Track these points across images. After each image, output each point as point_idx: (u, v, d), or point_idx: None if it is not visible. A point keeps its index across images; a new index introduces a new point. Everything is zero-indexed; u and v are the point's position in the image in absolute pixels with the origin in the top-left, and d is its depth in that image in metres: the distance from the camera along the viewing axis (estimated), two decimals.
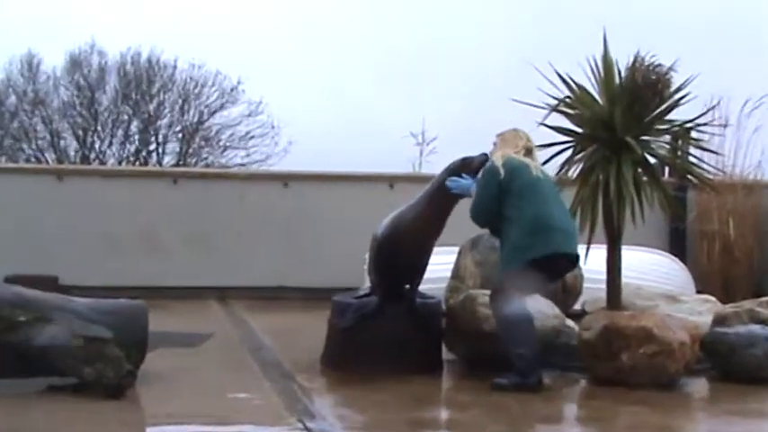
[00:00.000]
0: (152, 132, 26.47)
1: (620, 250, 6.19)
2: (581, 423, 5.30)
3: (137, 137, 26.47)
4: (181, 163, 25.57)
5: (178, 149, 26.46)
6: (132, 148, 26.45)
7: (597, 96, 6.23)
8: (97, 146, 26.24)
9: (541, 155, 6.12)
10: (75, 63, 26.17)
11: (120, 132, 26.28)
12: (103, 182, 10.16)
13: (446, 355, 6.24)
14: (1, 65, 25.37)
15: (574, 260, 5.72)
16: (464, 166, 5.82)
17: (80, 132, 26.08)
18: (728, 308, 6.42)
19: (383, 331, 5.95)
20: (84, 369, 5.00)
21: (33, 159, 25.12)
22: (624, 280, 6.32)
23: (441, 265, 6.82)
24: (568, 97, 6.24)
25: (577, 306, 7.00)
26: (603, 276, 6.28)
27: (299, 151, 23.72)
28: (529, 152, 5.80)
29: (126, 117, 26.29)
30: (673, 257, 8.84)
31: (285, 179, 10.21)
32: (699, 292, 8.10)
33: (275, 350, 6.72)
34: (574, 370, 5.92)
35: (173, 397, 5.21)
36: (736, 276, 9.56)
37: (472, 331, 5.93)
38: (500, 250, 5.71)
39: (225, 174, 14.18)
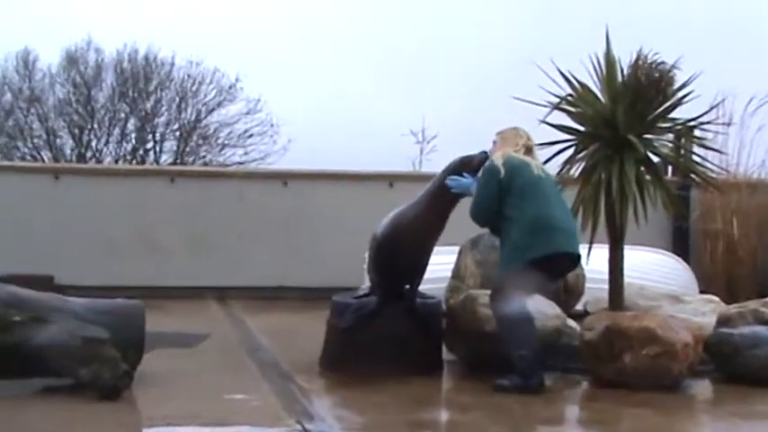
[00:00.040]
0: (149, 130, 26.49)
1: (622, 250, 6.19)
2: (583, 425, 5.30)
3: (134, 135, 26.51)
4: (178, 161, 25.57)
5: (175, 148, 26.50)
6: (129, 147, 26.50)
7: (599, 94, 6.23)
8: (94, 144, 26.28)
9: (543, 153, 6.12)
10: (71, 60, 26.19)
11: (116, 130, 26.32)
12: (100, 181, 10.15)
13: (446, 355, 6.23)
14: None
15: (575, 260, 5.71)
16: (464, 165, 5.82)
17: (76, 130, 26.09)
18: (732, 308, 6.42)
19: (383, 332, 5.95)
20: (80, 370, 5.00)
21: (29, 158, 25.15)
22: (627, 280, 6.32)
23: (441, 264, 6.81)
24: (570, 95, 6.24)
25: (579, 306, 7.00)
26: (606, 276, 6.28)
27: (298, 150, 23.73)
28: (529, 151, 5.79)
29: (123, 115, 26.32)
30: (676, 257, 8.83)
31: (284, 178, 10.21)
32: (702, 292, 8.10)
33: (274, 351, 6.71)
34: (575, 371, 5.92)
35: (170, 398, 5.21)
36: (740, 276, 9.56)
37: (473, 332, 5.93)
38: (500, 250, 5.70)
39: (223, 172, 14.19)
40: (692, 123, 6.29)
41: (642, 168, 6.12)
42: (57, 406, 4.90)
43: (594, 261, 6.21)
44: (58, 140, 26.08)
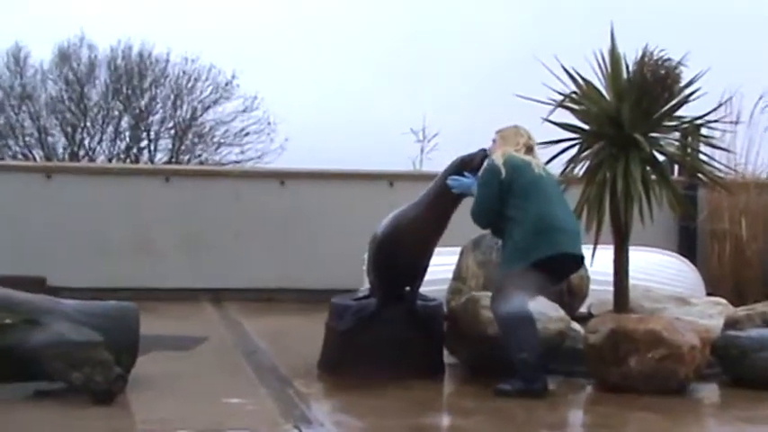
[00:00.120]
0: (143, 128, 26.49)
1: (627, 251, 6.19)
2: (587, 430, 5.30)
3: (128, 133, 26.48)
4: (173, 160, 25.57)
5: (170, 146, 26.48)
6: (123, 145, 26.49)
7: (604, 92, 6.23)
8: (87, 142, 26.27)
9: (547, 152, 6.13)
10: (63, 56, 26.18)
11: (110, 128, 26.31)
12: (93, 180, 10.16)
13: (447, 359, 6.24)
14: None
15: (579, 261, 5.72)
16: (465, 165, 5.83)
17: (69, 128, 26.09)
18: (740, 310, 6.42)
19: (383, 334, 5.95)
20: (72, 373, 5.00)
21: (20, 156, 25.14)
22: (632, 282, 6.32)
23: (442, 266, 6.82)
24: (574, 92, 6.24)
25: (583, 309, 7.01)
26: (610, 278, 6.28)
27: (296, 149, 23.76)
28: (530, 150, 5.79)
29: (116, 113, 26.32)
30: (682, 258, 8.84)
31: (282, 177, 10.22)
32: (709, 294, 8.10)
33: (271, 354, 6.72)
34: (579, 375, 5.92)
35: (164, 403, 5.21)
36: (748, 278, 9.56)
37: (475, 334, 5.93)
38: (501, 251, 5.70)
39: (219, 171, 14.20)
40: (699, 121, 6.29)
41: (648, 167, 6.12)
42: (49, 410, 4.90)
43: (599, 262, 6.22)
44: (50, 139, 26.10)
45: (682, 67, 6.03)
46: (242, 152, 26.16)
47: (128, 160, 25.69)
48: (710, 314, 6.62)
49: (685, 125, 6.30)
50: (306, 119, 24.90)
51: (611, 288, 6.27)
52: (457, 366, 6.23)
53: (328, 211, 9.90)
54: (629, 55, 6.12)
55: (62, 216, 9.68)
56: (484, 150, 5.82)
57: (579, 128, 6.30)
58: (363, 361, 5.87)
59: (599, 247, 6.16)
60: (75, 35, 26.16)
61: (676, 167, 7.36)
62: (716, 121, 6.45)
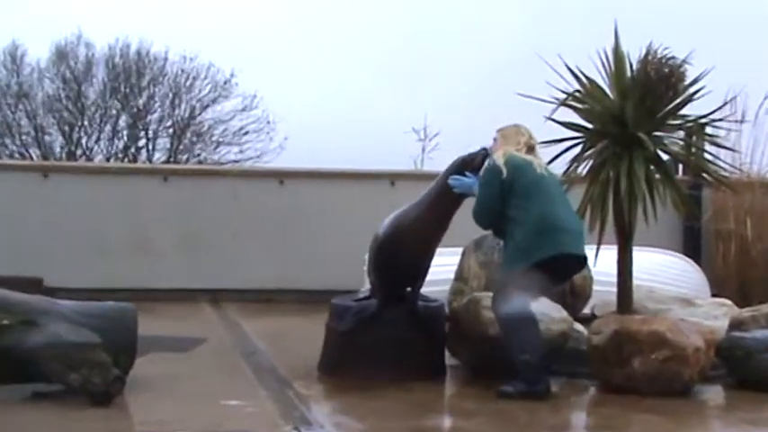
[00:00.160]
0: (141, 127, 26.49)
1: (631, 251, 6.20)
2: None
3: (125, 132, 26.50)
4: (171, 160, 25.58)
5: (169, 145, 26.49)
6: (121, 144, 26.50)
7: (608, 90, 6.24)
8: (84, 142, 26.27)
9: (549, 151, 6.14)
10: (61, 55, 26.19)
11: (108, 127, 26.32)
12: (91, 179, 10.16)
13: (449, 360, 6.24)
14: None
15: (581, 261, 5.72)
16: (466, 164, 5.82)
17: (66, 127, 26.10)
18: (745, 312, 6.42)
19: (383, 335, 5.96)
20: (69, 375, 5.00)
21: (17, 155, 25.14)
22: (636, 282, 6.33)
23: (444, 266, 6.82)
24: (578, 91, 6.24)
25: (586, 310, 7.01)
26: (614, 278, 6.29)
27: (296, 148, 23.74)
28: (531, 149, 5.78)
29: (114, 111, 26.32)
30: (687, 259, 8.84)
31: (281, 176, 10.22)
32: (714, 295, 8.10)
33: (270, 355, 6.72)
34: (583, 376, 5.93)
35: (163, 404, 5.21)
36: (753, 279, 9.55)
37: (476, 336, 5.93)
38: (503, 251, 5.70)
39: (218, 171, 14.21)
40: (704, 120, 6.30)
41: (652, 167, 6.13)
42: (47, 412, 4.91)
43: (602, 263, 6.22)
44: (47, 138, 26.11)
45: (686, 66, 6.03)
46: (241, 151, 26.23)
47: (125, 159, 25.70)
48: (715, 315, 6.62)
49: (690, 124, 6.31)
50: (306, 119, 24.92)
51: (615, 289, 6.28)
52: (458, 368, 6.24)
53: (328, 210, 9.90)
54: (633, 53, 6.14)
55: (59, 216, 9.68)
56: (485, 149, 5.82)
57: (582, 127, 6.30)
58: (364, 362, 5.87)
59: (602, 247, 6.17)
60: (73, 33, 26.21)
61: (681, 167, 7.36)
62: (721, 119, 6.47)
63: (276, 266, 9.82)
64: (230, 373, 6.12)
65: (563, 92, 6.20)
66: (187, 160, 25.78)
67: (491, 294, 5.86)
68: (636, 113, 6.07)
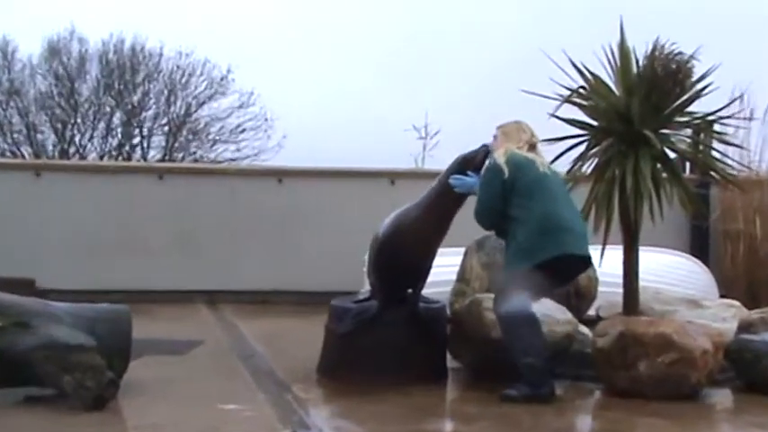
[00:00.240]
0: (136, 125, 26.51)
1: (637, 251, 6.20)
2: None
3: (120, 130, 26.51)
4: (167, 158, 25.60)
5: (164, 143, 26.54)
6: (115, 142, 26.53)
7: (613, 86, 6.24)
8: (77, 139, 26.29)
9: (554, 149, 6.13)
10: (53, 50, 26.20)
11: (101, 125, 26.33)
12: (84, 178, 10.17)
13: (451, 363, 6.25)
14: None
15: (586, 261, 5.72)
16: (467, 163, 5.82)
17: (59, 125, 26.11)
18: (754, 313, 6.43)
19: (384, 338, 5.97)
20: (63, 378, 5.01)
21: (9, 154, 25.16)
22: (642, 283, 6.33)
23: (445, 267, 6.83)
24: (582, 87, 6.24)
25: (591, 311, 7.02)
26: (619, 279, 6.29)
27: (294, 146, 23.80)
28: (533, 147, 5.78)
29: (108, 108, 26.34)
30: (694, 259, 8.85)
31: (279, 175, 10.23)
32: (722, 296, 8.12)
33: (268, 358, 6.73)
34: (587, 380, 5.93)
35: (158, 408, 5.22)
36: (762, 279, 9.56)
37: (479, 338, 5.94)
38: (505, 252, 5.69)
39: (214, 169, 14.20)
40: (712, 117, 6.30)
41: (658, 165, 6.13)
42: (40, 416, 4.91)
43: (608, 263, 6.23)
44: (39, 135, 26.12)
45: (693, 62, 6.03)
46: (238, 149, 26.26)
47: (120, 158, 25.71)
48: (723, 317, 6.63)
49: (697, 121, 6.31)
50: (306, 118, 24.99)
51: (621, 290, 6.28)
52: (460, 371, 6.24)
53: (327, 210, 9.92)
54: (639, 49, 6.13)
55: (52, 216, 9.70)
56: (485, 147, 5.82)
57: (587, 124, 6.30)
58: (364, 365, 5.88)
59: (608, 247, 6.17)
60: (65, 28, 26.24)
61: (688, 165, 7.37)
62: (729, 117, 6.45)
63: (274, 267, 9.84)
64: (227, 377, 6.13)
65: (567, 88, 6.20)
66: (183, 158, 25.80)
67: (493, 296, 5.86)
68: (642, 110, 6.07)
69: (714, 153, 6.44)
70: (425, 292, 6.20)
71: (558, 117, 6.23)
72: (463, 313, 6.16)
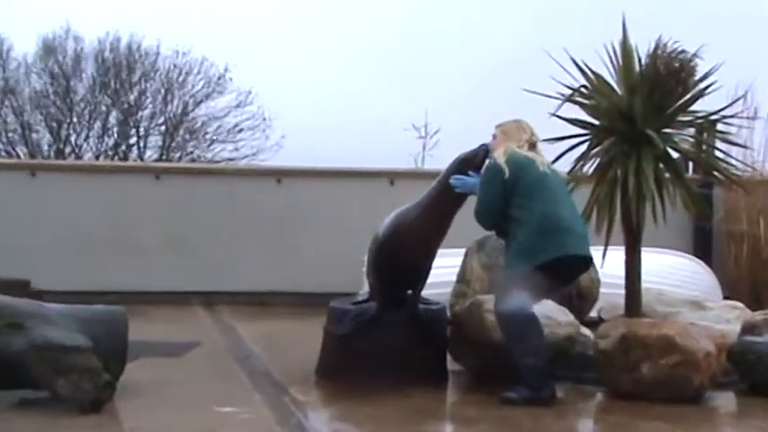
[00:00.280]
0: (132, 124, 26.51)
1: (639, 252, 6.20)
2: None
3: (116, 129, 26.52)
4: (164, 157, 25.59)
5: (161, 143, 26.51)
6: (111, 142, 26.52)
7: (615, 85, 6.24)
8: (73, 139, 26.29)
9: (555, 149, 6.13)
10: (48, 49, 26.19)
11: (97, 124, 26.33)
12: (79, 178, 10.17)
13: (451, 365, 6.25)
14: None
15: (587, 262, 5.72)
16: (467, 163, 5.82)
17: (54, 124, 26.10)
18: (758, 315, 6.43)
19: (383, 340, 5.96)
20: (58, 381, 5.01)
21: (3, 154, 25.17)
22: (644, 284, 6.33)
23: (445, 268, 6.83)
24: (584, 86, 6.24)
25: (593, 313, 7.01)
26: (622, 281, 6.29)
27: (293, 146, 23.81)
28: (533, 146, 5.78)
29: (104, 108, 26.33)
30: (697, 260, 8.85)
31: (278, 175, 10.23)
32: (726, 297, 8.12)
33: (265, 359, 6.73)
34: (589, 382, 5.93)
35: (155, 411, 5.22)
36: (766, 281, 9.56)
37: (479, 340, 5.94)
38: (506, 253, 5.69)
39: (212, 169, 14.20)
40: (715, 117, 6.30)
41: (661, 165, 6.13)
42: (35, 419, 4.91)
43: (610, 264, 6.23)
44: (34, 135, 26.11)
45: (697, 60, 6.02)
46: (236, 149, 26.25)
47: (116, 157, 25.71)
48: (727, 319, 6.63)
49: (700, 120, 6.31)
50: (305, 119, 25.02)
51: (623, 291, 6.28)
52: (461, 373, 6.24)
53: (326, 210, 9.92)
54: (642, 47, 6.13)
55: (47, 216, 9.69)
56: (485, 146, 5.81)
57: (589, 123, 6.30)
58: (363, 367, 5.88)
59: (610, 248, 6.17)
60: (61, 26, 26.22)
61: (691, 165, 7.37)
62: (732, 116, 6.45)
63: (272, 268, 9.84)
64: (224, 379, 6.13)
65: (569, 87, 6.20)
66: (180, 158, 25.79)
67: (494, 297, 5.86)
68: (644, 109, 6.07)
69: (717, 153, 6.43)
70: (425, 293, 6.20)
71: (559, 116, 6.23)
72: (463, 315, 6.16)
